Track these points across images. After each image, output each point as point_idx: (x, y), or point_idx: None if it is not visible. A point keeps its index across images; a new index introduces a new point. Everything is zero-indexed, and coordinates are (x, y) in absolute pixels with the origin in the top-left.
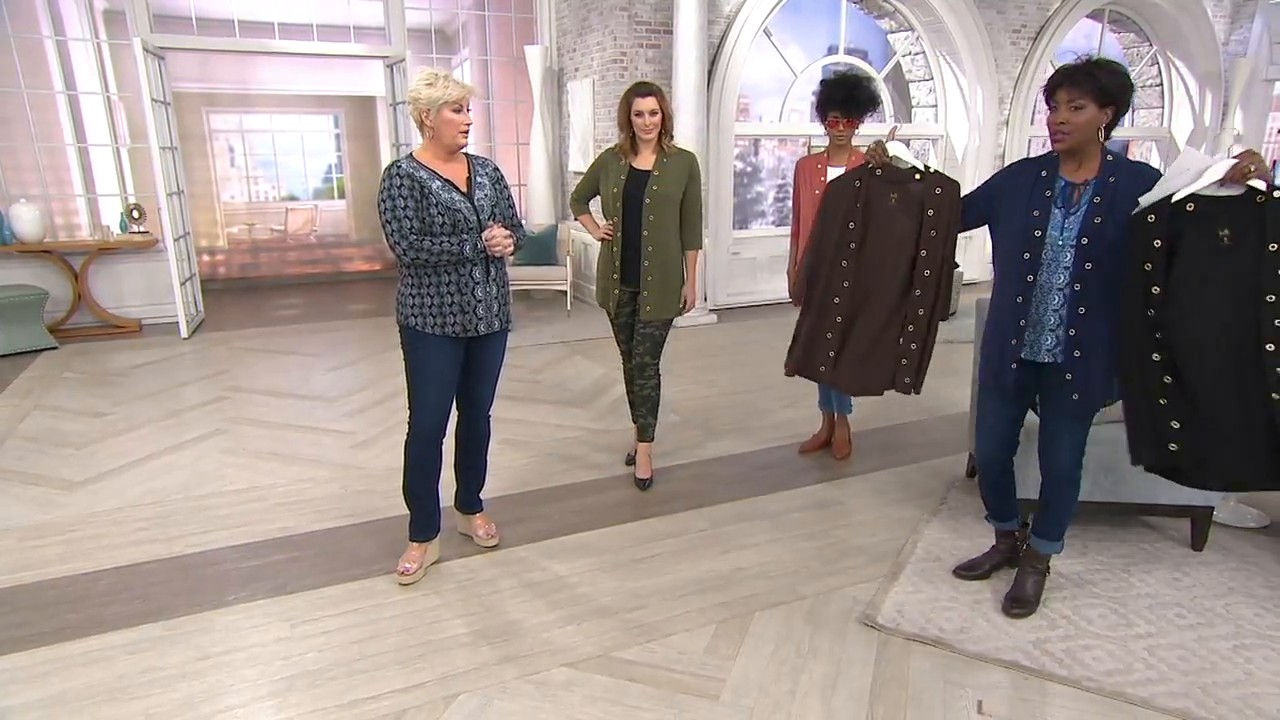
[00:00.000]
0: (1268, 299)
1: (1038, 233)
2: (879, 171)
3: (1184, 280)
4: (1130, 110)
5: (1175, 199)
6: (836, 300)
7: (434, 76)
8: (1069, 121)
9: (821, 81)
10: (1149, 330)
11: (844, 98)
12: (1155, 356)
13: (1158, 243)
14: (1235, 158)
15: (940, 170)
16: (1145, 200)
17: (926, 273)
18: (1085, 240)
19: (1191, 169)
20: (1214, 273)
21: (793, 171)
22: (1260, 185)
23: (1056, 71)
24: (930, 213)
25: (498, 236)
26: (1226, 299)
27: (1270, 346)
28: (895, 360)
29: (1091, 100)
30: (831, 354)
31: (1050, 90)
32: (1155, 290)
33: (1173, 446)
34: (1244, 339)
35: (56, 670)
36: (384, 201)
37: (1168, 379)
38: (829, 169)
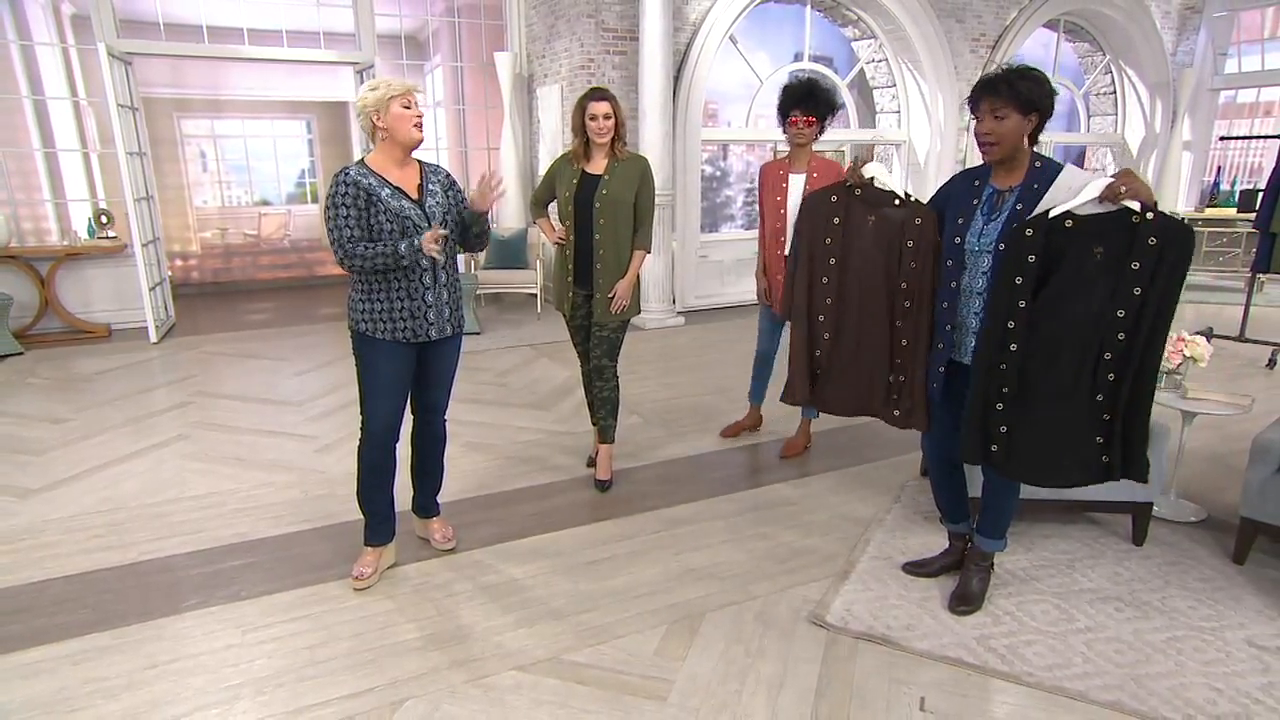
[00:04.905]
0: (1118, 314)
1: (958, 239)
2: (858, 191)
3: (1058, 293)
4: (1088, 117)
5: (1053, 215)
6: (821, 318)
7: (377, 82)
8: (994, 131)
9: (783, 86)
10: (1005, 340)
11: (804, 94)
12: (1003, 365)
13: (1031, 258)
14: (1111, 177)
15: (918, 200)
16: (1028, 217)
17: (908, 304)
18: (1003, 246)
19: (1071, 186)
20: (1084, 287)
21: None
22: (1134, 206)
23: (977, 83)
24: (910, 243)
25: (428, 237)
26: (1089, 312)
27: (1108, 355)
28: (886, 392)
29: (1013, 109)
30: (818, 372)
31: (973, 102)
32: (1021, 304)
33: (994, 448)
34: (1089, 346)
35: None
36: (328, 209)
37: (1006, 389)
38: (790, 175)
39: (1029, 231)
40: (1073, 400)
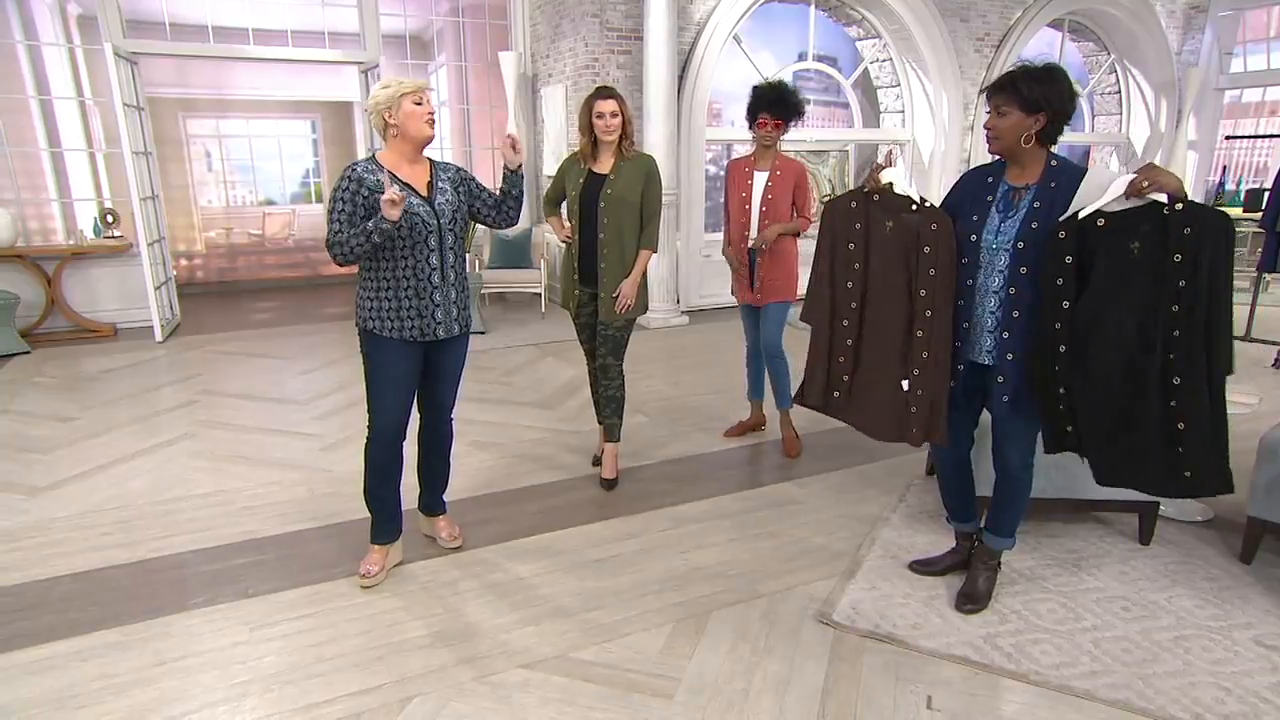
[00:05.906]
0: (1172, 309)
1: (973, 237)
2: (876, 197)
3: (1099, 291)
4: (1093, 116)
5: (1083, 215)
6: (845, 323)
7: (388, 80)
8: (995, 126)
9: (753, 88)
10: (1055, 342)
11: (774, 99)
12: (1056, 368)
13: (1068, 259)
14: (1133, 173)
15: (934, 205)
16: (1061, 219)
17: (928, 313)
18: (1021, 244)
19: (1100, 185)
20: (1127, 283)
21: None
22: (1161, 198)
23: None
24: (927, 249)
25: (384, 200)
26: (1136, 308)
27: (1172, 355)
28: (904, 408)
29: (1015, 107)
30: (846, 378)
31: (987, 97)
32: (1065, 305)
33: (1069, 428)
34: (1150, 345)
35: (1, 680)
36: (330, 200)
37: (1062, 390)
38: (755, 172)
39: (1062, 234)
40: (1138, 403)
